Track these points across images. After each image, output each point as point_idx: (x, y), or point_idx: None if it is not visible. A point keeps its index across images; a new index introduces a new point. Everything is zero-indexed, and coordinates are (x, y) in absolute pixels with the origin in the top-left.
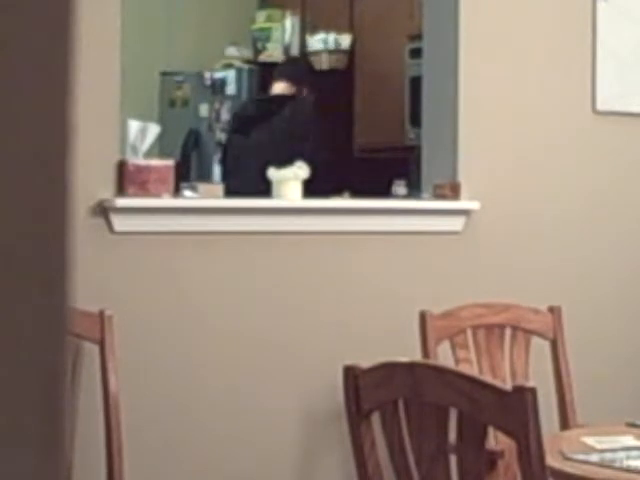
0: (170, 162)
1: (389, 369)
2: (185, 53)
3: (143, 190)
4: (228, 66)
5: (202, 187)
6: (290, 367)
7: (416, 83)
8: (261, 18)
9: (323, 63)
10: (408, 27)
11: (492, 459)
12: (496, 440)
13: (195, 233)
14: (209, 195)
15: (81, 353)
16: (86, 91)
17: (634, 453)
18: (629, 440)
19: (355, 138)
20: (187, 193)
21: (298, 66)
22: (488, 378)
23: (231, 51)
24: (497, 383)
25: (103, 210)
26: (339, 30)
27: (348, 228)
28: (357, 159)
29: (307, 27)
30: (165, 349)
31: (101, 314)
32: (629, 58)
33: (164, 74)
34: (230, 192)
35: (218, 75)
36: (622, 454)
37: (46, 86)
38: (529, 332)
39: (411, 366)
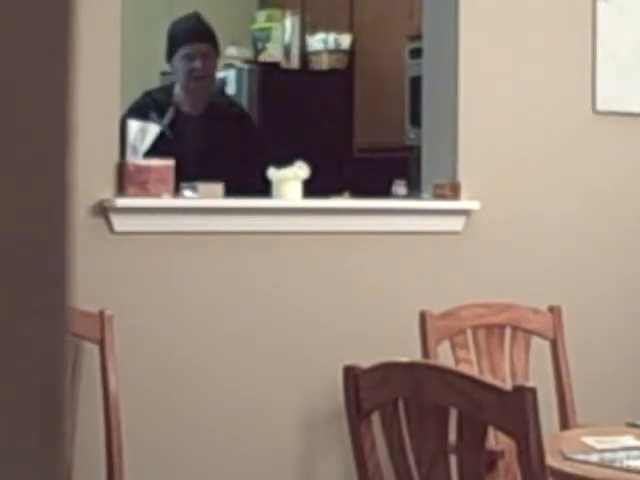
0: (170, 162)
1: (389, 369)
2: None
3: (143, 190)
4: (228, 66)
5: (202, 187)
6: (290, 367)
7: (416, 83)
8: (261, 18)
9: (323, 63)
10: (408, 27)
11: (492, 459)
12: (496, 440)
13: (195, 233)
14: (209, 195)
15: (81, 353)
16: (86, 91)
17: (634, 453)
18: (629, 440)
19: (355, 138)
20: (187, 193)
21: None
22: (488, 378)
23: (231, 51)
24: (497, 383)
25: (103, 210)
26: (339, 30)
27: (348, 228)
28: (357, 159)
29: (307, 27)
30: (165, 349)
31: (101, 314)
32: (629, 58)
33: (164, 74)
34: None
35: (218, 75)
36: (622, 454)
37: (46, 86)
38: (529, 332)
39: (411, 366)
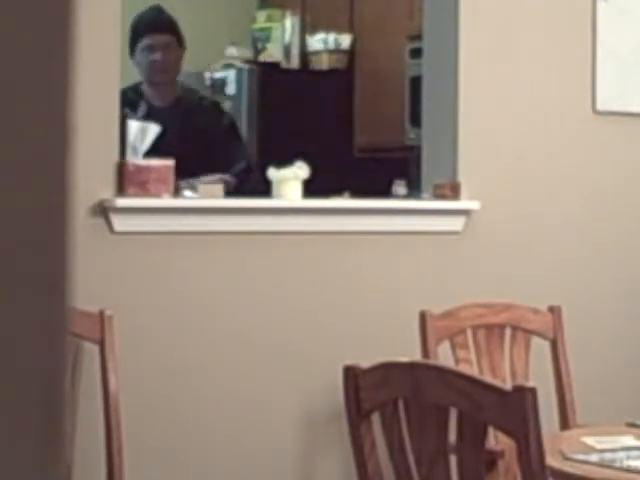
0: (170, 162)
1: (389, 369)
2: (185, 53)
3: (143, 190)
4: (228, 66)
5: (202, 187)
6: (290, 367)
7: (416, 83)
8: (261, 18)
9: (323, 63)
10: (408, 27)
11: (492, 459)
12: (496, 440)
13: (195, 233)
14: (209, 195)
15: (81, 353)
16: (86, 91)
17: (634, 453)
18: (629, 440)
19: (355, 138)
20: (187, 193)
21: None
22: (488, 378)
23: (231, 51)
24: (497, 383)
25: (103, 210)
26: (339, 30)
27: (348, 228)
28: (357, 159)
29: (307, 27)
30: (165, 349)
31: (101, 314)
32: (629, 58)
33: None
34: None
35: (218, 75)
36: (622, 454)
37: (46, 86)
38: (529, 332)
39: (411, 366)
